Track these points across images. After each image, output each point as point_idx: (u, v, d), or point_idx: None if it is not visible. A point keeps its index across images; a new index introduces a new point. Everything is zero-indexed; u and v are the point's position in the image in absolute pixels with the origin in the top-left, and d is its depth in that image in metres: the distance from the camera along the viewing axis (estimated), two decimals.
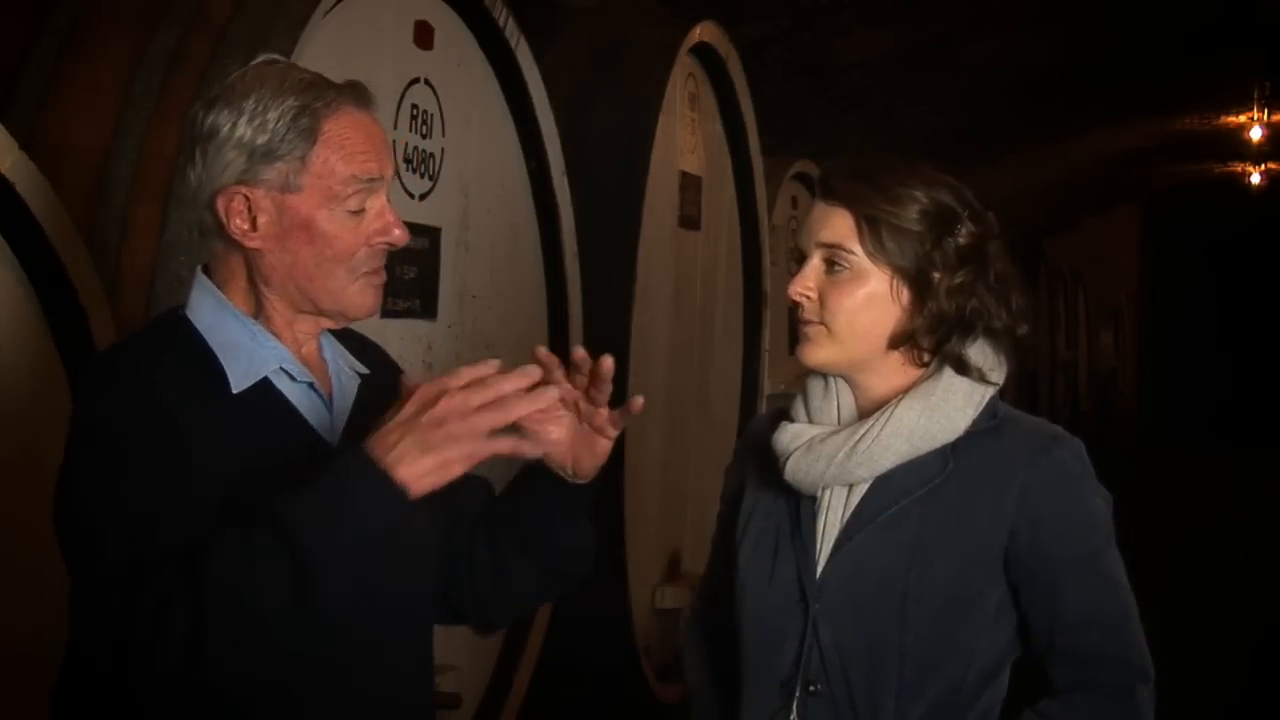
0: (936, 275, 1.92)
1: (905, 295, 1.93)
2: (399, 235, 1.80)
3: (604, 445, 1.86)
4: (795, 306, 1.98)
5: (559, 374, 1.82)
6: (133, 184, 2.63)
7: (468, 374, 1.62)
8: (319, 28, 2.71)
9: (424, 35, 3.17)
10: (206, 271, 1.82)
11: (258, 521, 1.58)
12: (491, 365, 1.64)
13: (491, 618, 2.02)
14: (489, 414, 1.61)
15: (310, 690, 1.71)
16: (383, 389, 1.88)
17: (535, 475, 1.89)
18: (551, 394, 1.66)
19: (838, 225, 1.94)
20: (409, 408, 1.61)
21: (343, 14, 2.83)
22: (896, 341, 1.95)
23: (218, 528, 1.59)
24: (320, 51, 2.67)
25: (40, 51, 2.81)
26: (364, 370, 1.90)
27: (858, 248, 1.93)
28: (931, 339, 1.94)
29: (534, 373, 1.65)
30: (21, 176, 2.26)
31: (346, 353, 1.90)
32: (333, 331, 1.89)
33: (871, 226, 1.92)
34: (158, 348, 1.76)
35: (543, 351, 1.81)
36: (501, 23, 3.40)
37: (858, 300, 1.93)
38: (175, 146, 2.60)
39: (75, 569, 1.67)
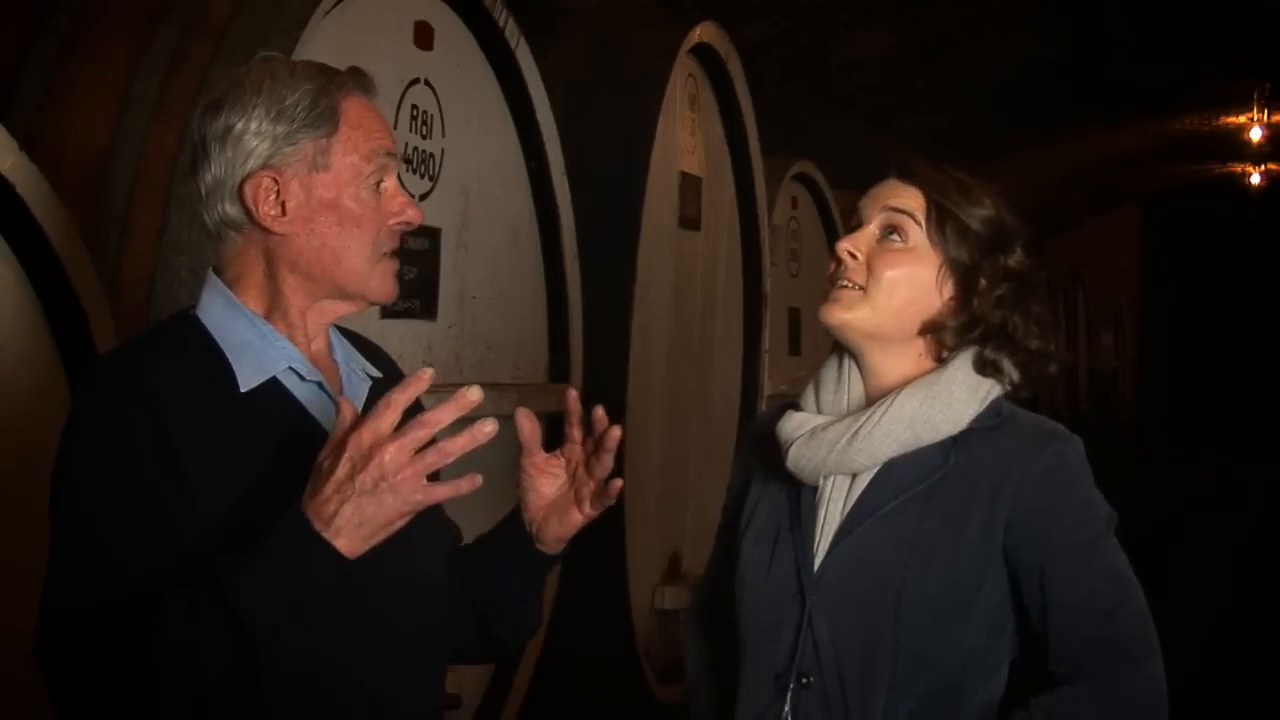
0: (983, 282, 1.95)
1: (948, 289, 1.96)
2: (414, 214, 1.83)
3: (575, 519, 1.86)
4: (837, 264, 1.98)
5: (576, 431, 1.83)
6: (132, 185, 2.63)
7: (399, 403, 1.56)
8: (318, 28, 2.71)
9: (424, 36, 3.17)
10: (217, 272, 1.83)
11: (203, 591, 1.57)
12: (424, 378, 1.58)
13: None
14: (427, 460, 1.56)
15: (315, 695, 1.71)
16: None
17: (509, 529, 1.91)
18: (489, 428, 1.55)
19: (909, 199, 1.97)
20: (342, 466, 1.55)
21: (342, 14, 2.83)
22: (926, 329, 1.96)
23: (169, 588, 1.59)
24: (320, 52, 2.67)
25: (40, 52, 2.81)
26: (376, 374, 1.90)
27: (924, 223, 1.95)
28: (958, 337, 1.95)
29: (472, 397, 1.56)
30: (21, 177, 2.27)
31: (359, 355, 1.91)
32: (347, 333, 1.91)
33: (940, 212, 1.95)
34: (162, 350, 1.77)
35: (574, 396, 1.82)
36: (501, 23, 3.41)
37: (904, 273, 1.95)
38: (175, 147, 2.61)
39: (45, 585, 1.69)
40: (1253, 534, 11.23)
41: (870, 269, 1.95)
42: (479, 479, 1.58)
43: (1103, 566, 1.91)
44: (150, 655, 1.56)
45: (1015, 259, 1.98)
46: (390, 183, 1.82)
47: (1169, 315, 21.12)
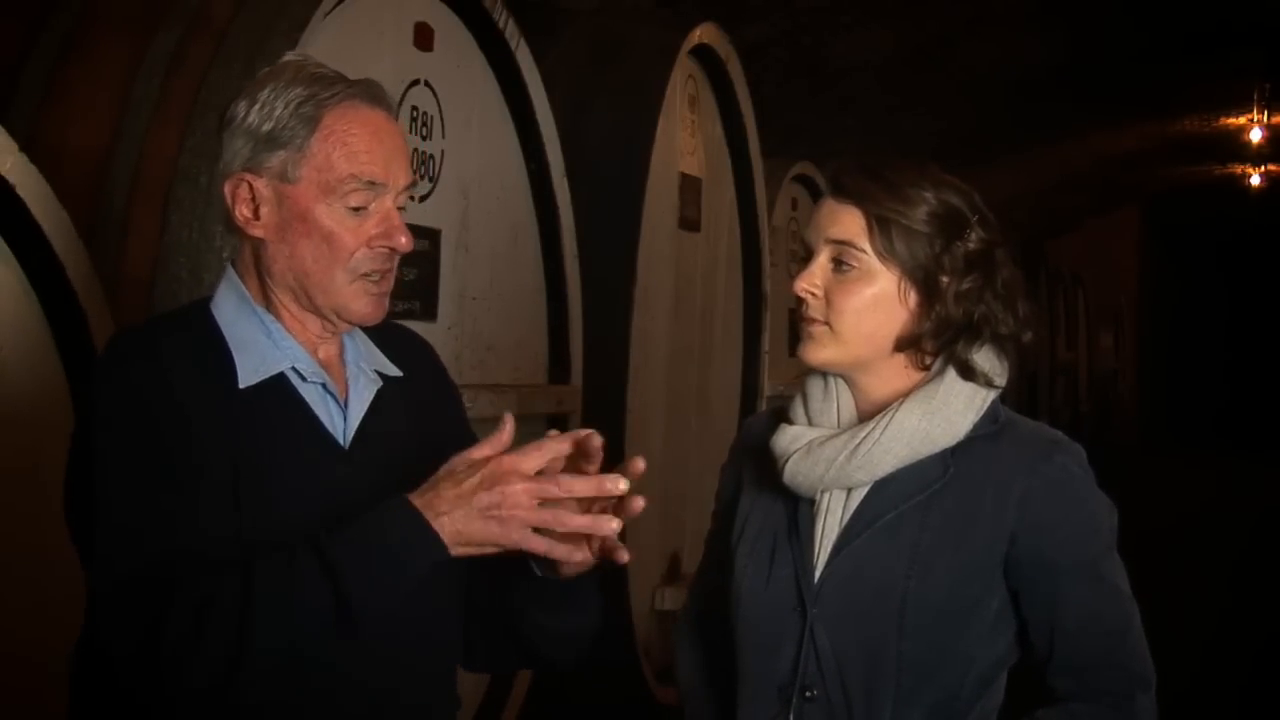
0: (945, 279, 1.91)
1: (913, 298, 1.91)
2: (403, 241, 1.77)
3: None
4: (800, 303, 1.96)
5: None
6: (132, 185, 2.63)
7: (551, 450, 1.62)
8: (319, 30, 2.71)
9: (424, 37, 3.17)
10: (234, 266, 1.82)
11: (300, 552, 1.60)
12: (597, 441, 1.64)
13: (472, 662, 1.98)
14: (545, 514, 1.61)
15: (307, 685, 1.70)
16: (417, 391, 1.87)
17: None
18: (614, 526, 1.64)
19: (848, 223, 1.92)
20: (472, 480, 1.60)
21: (342, 16, 2.83)
22: (902, 344, 1.93)
23: (259, 551, 1.60)
24: (320, 54, 2.64)
25: (41, 53, 2.81)
26: (394, 372, 1.86)
27: (868, 247, 1.91)
28: (936, 343, 1.93)
29: (619, 487, 1.63)
30: (21, 177, 2.27)
31: (376, 352, 1.86)
32: (381, 327, 1.86)
33: (882, 226, 1.90)
34: (178, 333, 1.77)
35: (640, 467, 1.71)
36: (501, 24, 3.41)
37: (865, 300, 1.91)
38: (175, 147, 2.61)
39: (95, 562, 1.67)
40: (1252, 535, 11.23)
41: (830, 303, 1.92)
42: (577, 554, 1.68)
43: (1109, 586, 1.92)
44: (249, 606, 1.56)
45: (974, 239, 1.92)
46: (381, 204, 1.76)
47: (1169, 315, 21.13)
